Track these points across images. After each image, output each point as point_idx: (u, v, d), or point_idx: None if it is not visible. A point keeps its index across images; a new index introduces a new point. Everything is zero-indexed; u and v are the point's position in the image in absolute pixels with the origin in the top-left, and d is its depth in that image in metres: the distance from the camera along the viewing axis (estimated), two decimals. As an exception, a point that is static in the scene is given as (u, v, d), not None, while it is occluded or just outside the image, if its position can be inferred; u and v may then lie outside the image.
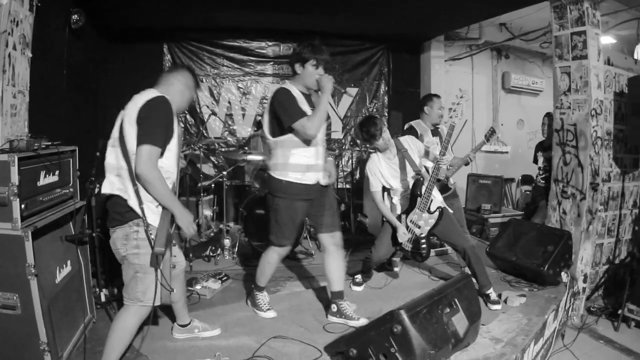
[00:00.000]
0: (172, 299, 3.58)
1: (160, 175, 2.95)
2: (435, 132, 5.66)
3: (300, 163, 3.97)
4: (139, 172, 2.86)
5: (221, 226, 6.43)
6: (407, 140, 4.85)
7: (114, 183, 3.05)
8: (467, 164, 5.45)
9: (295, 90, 3.95)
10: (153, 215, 3.01)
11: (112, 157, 3.05)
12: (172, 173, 3.14)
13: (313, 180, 4.04)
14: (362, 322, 4.07)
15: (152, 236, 2.98)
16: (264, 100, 8.25)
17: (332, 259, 4.27)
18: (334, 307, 4.28)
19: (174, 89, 3.24)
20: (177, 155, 3.19)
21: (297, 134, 3.87)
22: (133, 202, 2.97)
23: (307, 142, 3.94)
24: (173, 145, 3.09)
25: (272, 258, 4.26)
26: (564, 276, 5.12)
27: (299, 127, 3.78)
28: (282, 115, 3.82)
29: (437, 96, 5.68)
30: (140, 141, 2.88)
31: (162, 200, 3.00)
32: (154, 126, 2.92)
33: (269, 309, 4.35)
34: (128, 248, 3.03)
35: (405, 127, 5.78)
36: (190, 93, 3.36)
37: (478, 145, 5.32)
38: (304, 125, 3.76)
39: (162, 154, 3.01)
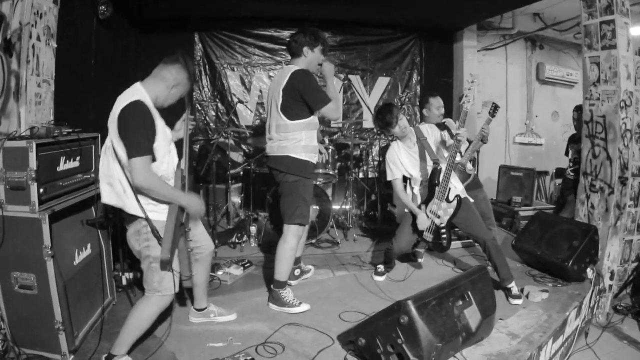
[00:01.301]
0: (193, 282, 3.64)
1: (157, 179, 3.01)
2: (442, 126, 5.52)
3: (314, 145, 4.24)
4: (137, 184, 2.92)
5: (248, 213, 6.50)
6: (426, 129, 4.81)
7: (104, 191, 3.13)
8: (483, 141, 5.29)
9: None
10: (156, 214, 3.09)
11: (104, 165, 3.11)
12: (165, 171, 3.17)
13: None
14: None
15: (160, 233, 3.06)
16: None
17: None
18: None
19: (162, 84, 3.19)
20: (166, 153, 3.20)
21: (317, 117, 4.12)
22: (132, 209, 3.05)
23: (316, 123, 4.20)
24: (159, 145, 3.08)
25: (293, 243, 4.24)
26: (590, 272, 5.02)
27: (327, 111, 4.00)
28: (313, 99, 3.99)
29: (434, 96, 5.65)
30: (130, 155, 2.90)
31: (167, 199, 3.08)
32: (137, 136, 2.93)
33: (300, 303, 4.24)
34: (140, 242, 3.12)
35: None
36: (181, 89, 3.28)
37: (485, 122, 5.15)
38: (331, 109, 4.00)
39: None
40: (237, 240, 6.02)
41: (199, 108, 7.88)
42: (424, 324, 2.95)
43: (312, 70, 4.18)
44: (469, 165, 5.50)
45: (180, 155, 3.35)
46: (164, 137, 3.15)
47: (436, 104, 5.54)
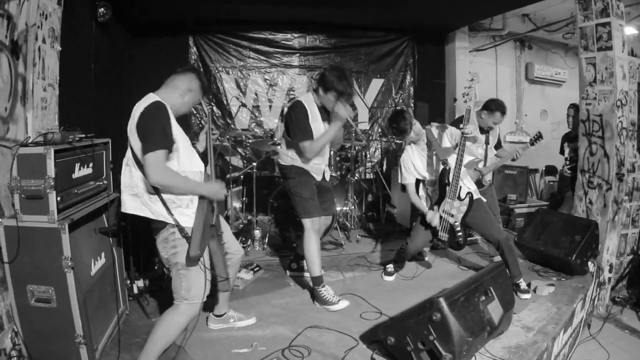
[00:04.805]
0: (218, 288, 3.56)
1: (172, 173, 2.96)
2: (483, 132, 5.55)
3: (310, 164, 4.47)
4: (153, 181, 2.87)
5: (250, 217, 6.48)
6: (437, 131, 4.84)
7: (128, 202, 3.09)
8: (513, 159, 5.43)
9: (313, 105, 4.37)
10: (185, 217, 3.04)
11: (126, 175, 3.08)
12: (193, 171, 3.14)
13: (319, 178, 4.60)
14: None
15: (189, 236, 3.01)
16: (291, 92, 8.24)
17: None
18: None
19: (176, 92, 3.18)
20: (190, 152, 3.18)
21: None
22: (160, 215, 3.02)
23: None
24: (180, 146, 3.06)
25: (310, 238, 4.42)
26: (591, 266, 5.11)
27: (301, 147, 4.30)
28: (291, 131, 4.34)
29: (503, 113, 5.47)
30: (145, 151, 2.87)
31: (187, 192, 3.04)
32: (151, 132, 2.90)
33: (339, 300, 4.36)
34: (168, 250, 3.08)
35: (457, 117, 5.74)
36: (194, 96, 3.28)
37: (522, 147, 5.29)
38: (305, 148, 4.28)
39: (171, 157, 3.01)
40: (242, 245, 5.93)
41: (194, 112, 7.83)
42: (455, 319, 2.99)
43: (328, 107, 4.33)
44: (487, 177, 5.55)
45: (206, 163, 3.32)
46: (183, 140, 3.12)
47: (497, 120, 5.46)
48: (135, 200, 3.05)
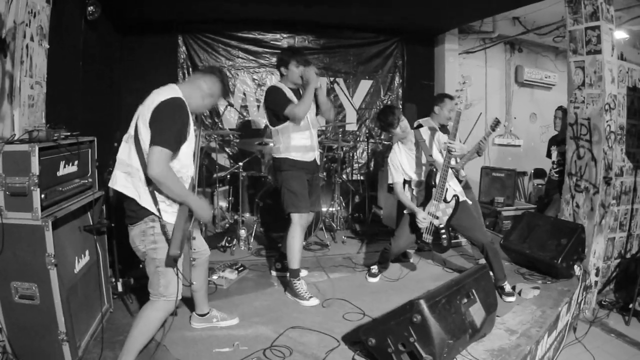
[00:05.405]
0: (192, 289, 3.64)
1: (171, 175, 2.96)
2: (445, 129, 5.56)
3: (300, 145, 4.60)
4: (150, 173, 2.88)
5: (236, 217, 6.48)
6: (427, 132, 4.85)
7: (118, 178, 3.08)
8: (479, 154, 5.44)
9: (284, 87, 4.61)
10: (167, 214, 3.05)
11: (124, 153, 3.08)
12: (185, 173, 3.15)
13: (310, 159, 4.70)
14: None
15: (169, 233, 3.01)
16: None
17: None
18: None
19: (197, 92, 3.21)
20: (191, 156, 3.20)
21: (290, 120, 4.50)
22: (146, 202, 3.01)
23: (302, 126, 4.56)
24: (186, 147, 3.09)
25: (296, 232, 4.53)
26: (577, 269, 5.13)
27: (288, 113, 4.43)
28: (275, 107, 4.54)
29: (451, 98, 5.63)
30: (152, 142, 2.88)
31: (177, 198, 3.03)
32: (166, 129, 2.92)
33: (311, 297, 4.48)
34: (146, 244, 3.07)
35: (415, 124, 5.77)
36: (213, 100, 3.33)
37: (485, 136, 5.29)
38: (292, 112, 4.41)
39: (175, 155, 3.02)
40: (227, 244, 5.99)
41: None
42: (436, 321, 2.99)
43: (297, 83, 4.60)
44: (462, 172, 5.58)
45: None
46: (190, 142, 3.14)
47: (450, 106, 5.56)
48: (127, 179, 3.05)
